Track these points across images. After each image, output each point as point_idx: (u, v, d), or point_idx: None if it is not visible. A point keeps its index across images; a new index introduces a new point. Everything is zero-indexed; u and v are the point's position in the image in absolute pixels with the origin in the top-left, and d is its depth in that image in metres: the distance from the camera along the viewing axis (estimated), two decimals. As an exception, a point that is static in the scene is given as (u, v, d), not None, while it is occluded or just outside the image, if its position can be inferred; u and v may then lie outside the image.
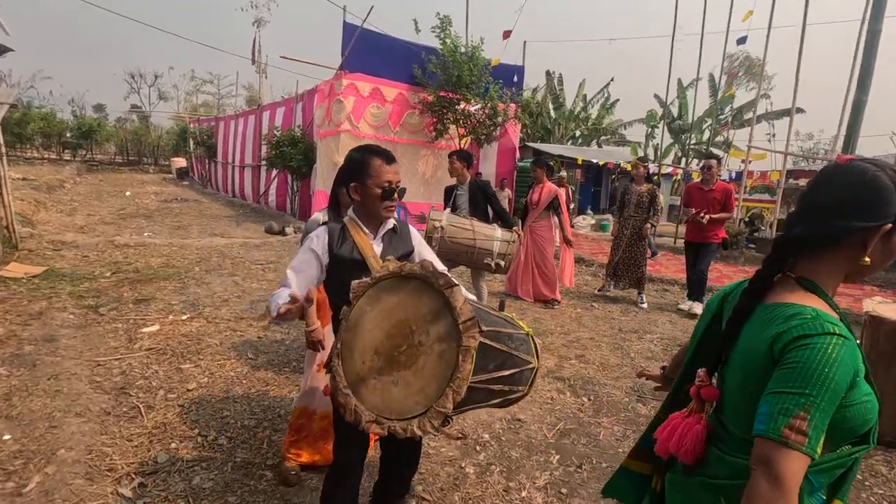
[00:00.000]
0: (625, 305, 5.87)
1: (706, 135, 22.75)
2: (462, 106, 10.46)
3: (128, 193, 16.12)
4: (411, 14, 16.17)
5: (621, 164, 14.19)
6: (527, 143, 15.88)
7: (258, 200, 15.28)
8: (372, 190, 1.70)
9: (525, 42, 12.97)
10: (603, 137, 24.18)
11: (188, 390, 3.28)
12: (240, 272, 6.46)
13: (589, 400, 3.37)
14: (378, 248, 1.78)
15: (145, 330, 4.26)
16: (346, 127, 10.21)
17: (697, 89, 14.23)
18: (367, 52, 10.24)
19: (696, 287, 5.56)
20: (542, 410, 3.21)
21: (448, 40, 10.26)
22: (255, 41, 19.69)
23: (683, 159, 22.82)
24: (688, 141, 22.95)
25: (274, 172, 13.13)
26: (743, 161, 14.03)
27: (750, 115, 20.97)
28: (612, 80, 22.41)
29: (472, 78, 10.15)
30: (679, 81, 21.88)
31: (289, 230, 10.01)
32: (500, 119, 10.86)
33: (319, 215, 2.34)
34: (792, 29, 9.62)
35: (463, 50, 10.28)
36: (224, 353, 3.93)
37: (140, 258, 6.78)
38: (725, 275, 8.23)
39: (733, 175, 14.49)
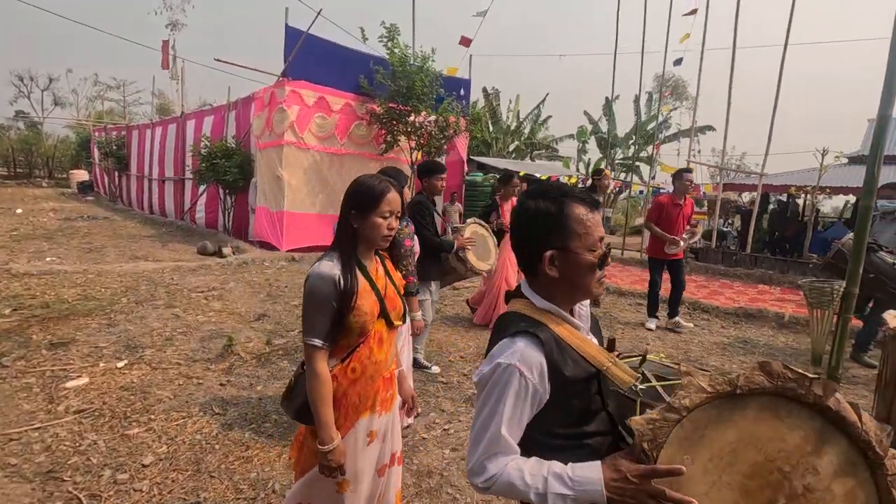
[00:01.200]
0: (599, 321, 5.75)
1: (632, 150, 24.12)
2: (412, 118, 10.11)
3: (18, 211, 13.95)
4: (357, 22, 15.60)
5: (582, 177, 14.48)
6: (471, 157, 15.82)
7: (183, 217, 13.85)
8: (582, 257, 1.08)
9: (471, 56, 12.85)
10: (536, 152, 24.89)
11: (144, 466, 2.57)
12: (178, 302, 5.57)
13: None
14: (594, 340, 1.17)
15: (70, 385, 3.41)
16: (289, 138, 9.45)
17: (640, 104, 14.92)
18: (311, 59, 9.59)
19: (676, 302, 5.54)
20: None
21: (396, 50, 9.89)
22: (168, 45, 18.05)
23: (613, 173, 24.00)
24: (615, 156, 24.20)
25: (202, 186, 11.93)
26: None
27: (671, 132, 22.50)
28: (547, 95, 23.16)
29: (424, 89, 9.83)
30: (606, 99, 23.08)
31: (226, 251, 9.02)
32: (451, 132, 10.61)
33: (328, 266, 1.55)
34: (722, 52, 10.32)
35: (413, 61, 9.95)
36: (181, 408, 3.20)
37: (48, 290, 5.66)
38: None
39: (663, 189, 15.29)
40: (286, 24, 9.28)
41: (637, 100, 22.26)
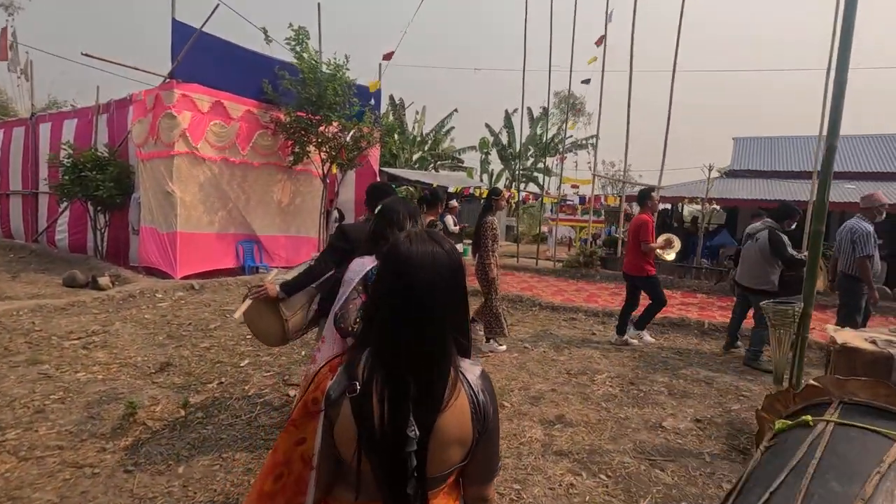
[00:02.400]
0: (545, 340, 5.70)
1: (530, 161, 25.36)
2: (323, 128, 9.44)
3: None
4: (258, 22, 14.30)
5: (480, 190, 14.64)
6: (381, 169, 15.36)
7: (37, 239, 11.57)
8: None
9: (380, 64, 12.44)
10: (440, 162, 25.09)
11: None
12: (46, 355, 4.43)
13: (608, 477, 2.91)
14: None
15: None
16: (181, 148, 8.27)
17: (547, 118, 15.56)
18: (206, 59, 8.51)
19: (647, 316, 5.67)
20: (573, 506, 2.63)
21: (306, 55, 9.17)
22: (6, 32, 15.05)
23: (513, 184, 24.99)
24: (516, 167, 25.26)
25: (65, 203, 10.03)
26: (574, 186, 15.71)
27: (567, 144, 23.97)
28: (455, 110, 23.44)
29: (337, 98, 9.23)
30: (506, 111, 24.01)
31: (103, 281, 7.56)
32: (366, 143, 10.10)
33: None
34: (622, 74, 11.10)
35: (325, 68, 9.30)
36: (74, 517, 2.40)
37: None
38: (592, 294, 8.85)
39: (570, 201, 16.16)
40: (173, 19, 8.13)
41: (530, 113, 23.49)
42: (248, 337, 5.32)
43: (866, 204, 4.71)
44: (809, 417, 1.24)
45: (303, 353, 4.86)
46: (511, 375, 4.48)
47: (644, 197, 5.62)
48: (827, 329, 3.47)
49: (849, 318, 4.53)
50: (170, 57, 8.18)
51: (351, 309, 2.09)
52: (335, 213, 11.75)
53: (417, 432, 0.92)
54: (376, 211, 2.29)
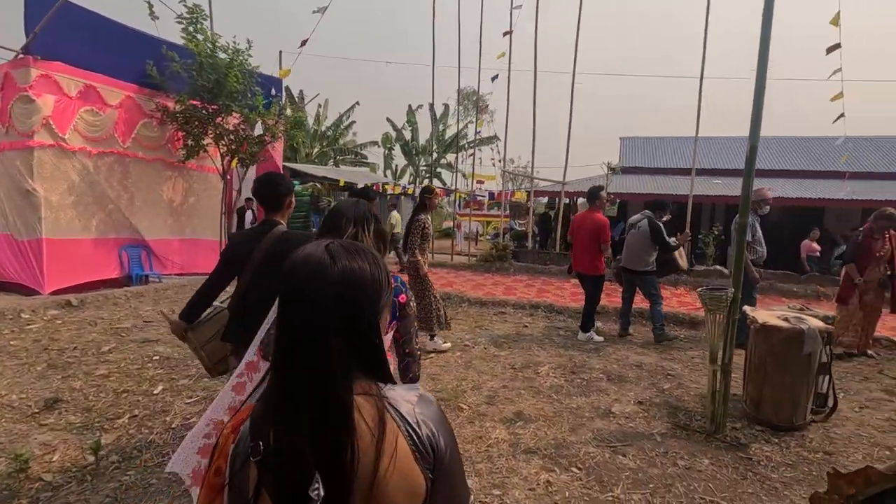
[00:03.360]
0: (482, 336, 5.74)
1: (433, 157, 25.55)
2: (221, 119, 8.55)
3: None
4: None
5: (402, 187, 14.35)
6: (284, 164, 14.39)
7: None
8: None
9: (281, 52, 11.58)
10: (341, 157, 24.26)
11: None
12: None
13: (580, 469, 2.96)
14: None
15: None
16: (44, 138, 6.95)
17: (456, 117, 15.65)
18: (73, 35, 7.23)
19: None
20: (555, 501, 2.63)
21: (201, 36, 8.21)
22: None
23: (417, 179, 25.02)
24: (419, 163, 25.30)
25: None
26: (479, 182, 16.13)
27: (464, 142, 24.47)
28: (356, 103, 22.69)
29: (238, 87, 8.40)
30: (409, 107, 23.89)
31: (-59, 302, 6.10)
32: (270, 136, 9.35)
33: None
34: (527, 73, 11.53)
35: (222, 53, 8.40)
36: None
37: None
38: (509, 287, 9.16)
39: (480, 196, 16.56)
40: (26, -18, 6.77)
41: (432, 110, 23.67)
42: (155, 358, 4.63)
43: (756, 198, 5.39)
44: None
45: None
46: (460, 375, 4.41)
47: (594, 196, 5.83)
48: (745, 310, 3.89)
49: (745, 298, 5.17)
50: (22, 28, 6.81)
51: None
52: (249, 215, 10.78)
53: (322, 492, 0.70)
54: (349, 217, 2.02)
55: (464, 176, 29.25)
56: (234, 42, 8.60)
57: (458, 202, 16.47)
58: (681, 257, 5.53)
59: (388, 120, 24.86)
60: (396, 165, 25.61)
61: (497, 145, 18.58)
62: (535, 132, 11.12)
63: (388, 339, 1.84)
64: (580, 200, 14.16)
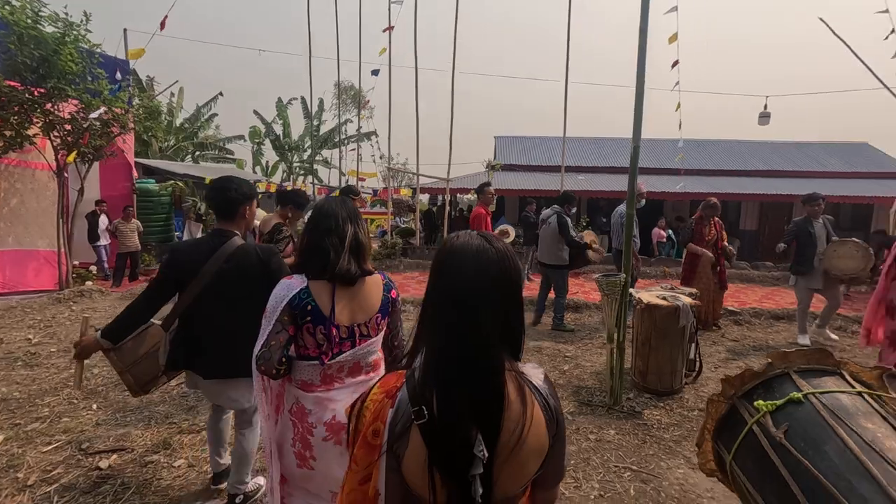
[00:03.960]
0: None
1: (308, 154, 24.39)
2: (51, 105, 7.14)
3: None
4: None
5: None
6: (136, 160, 12.50)
7: None
8: None
9: (126, 30, 9.93)
10: (202, 152, 21.92)
11: None
12: None
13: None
14: None
15: None
16: None
17: (338, 111, 14.96)
18: None
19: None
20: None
21: (17, 2, 6.73)
22: None
23: (291, 176, 23.67)
24: (293, 159, 23.95)
25: None
26: (361, 179, 15.88)
27: (343, 138, 23.84)
28: (220, 94, 20.55)
29: (74, 67, 7.06)
30: (279, 100, 22.41)
31: None
32: (119, 128, 8.05)
33: None
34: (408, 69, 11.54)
35: (52, 27, 6.98)
36: None
37: None
38: (402, 283, 9.17)
39: (366, 193, 16.17)
40: None
41: (304, 103, 22.59)
42: (-14, 401, 3.71)
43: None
44: (799, 394, 1.36)
45: (94, 405, 3.64)
46: (373, 379, 4.27)
47: (479, 190, 6.05)
48: (630, 292, 4.36)
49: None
50: None
51: (274, 346, 1.61)
52: (104, 220, 9.09)
53: (486, 453, 0.83)
54: (309, 218, 1.82)
55: (342, 173, 28.51)
56: (66, 13, 7.20)
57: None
58: (593, 250, 5.94)
59: (256, 113, 23.07)
60: (267, 162, 23.91)
61: (377, 142, 18.32)
62: (418, 129, 11.21)
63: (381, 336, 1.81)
64: (466, 197, 14.63)
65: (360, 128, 12.97)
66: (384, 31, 10.38)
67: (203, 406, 3.63)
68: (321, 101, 23.45)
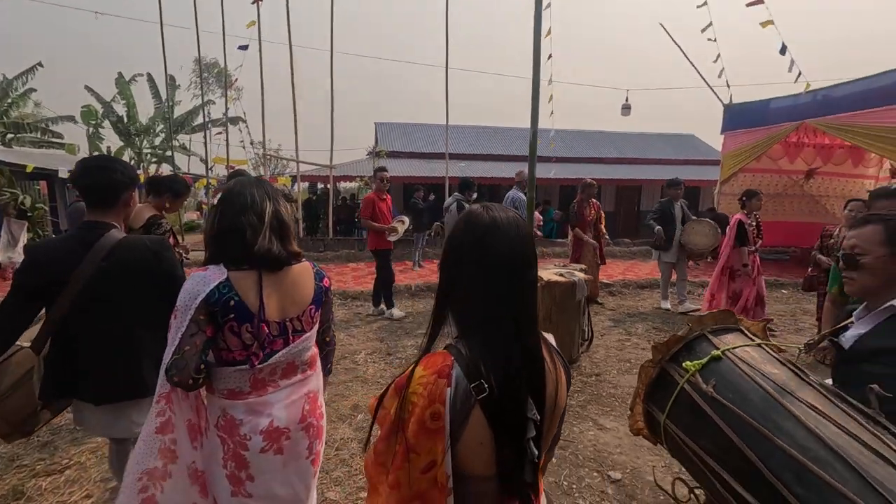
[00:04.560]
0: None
1: (160, 139, 21.53)
2: None
3: None
4: None
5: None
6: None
7: None
8: None
9: None
10: (18, 135, 18.05)
11: None
12: None
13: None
14: None
15: None
16: None
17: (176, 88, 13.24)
18: None
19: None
20: None
21: None
22: None
23: (142, 164, 20.69)
24: (143, 144, 20.95)
25: None
26: (229, 167, 14.55)
27: (201, 119, 21.50)
28: (38, 65, 16.96)
29: None
30: (120, 75, 19.32)
31: None
32: None
33: None
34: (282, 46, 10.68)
35: None
36: None
37: None
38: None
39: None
40: None
41: (150, 80, 19.87)
42: None
43: (519, 178, 6.32)
44: (718, 352, 1.49)
45: None
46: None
47: (373, 175, 5.84)
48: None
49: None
50: None
51: (190, 352, 1.32)
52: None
53: (538, 415, 0.89)
54: (218, 199, 1.51)
55: (201, 160, 25.62)
56: None
57: (207, 190, 14.36)
58: None
59: (89, 89, 19.59)
60: (109, 147, 20.50)
61: (247, 126, 16.79)
62: (296, 111, 10.49)
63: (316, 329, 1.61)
64: (346, 185, 14.11)
65: (227, 109, 11.71)
66: (252, 1, 9.43)
67: (62, 440, 2.99)
68: (173, 79, 20.73)
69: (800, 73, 8.28)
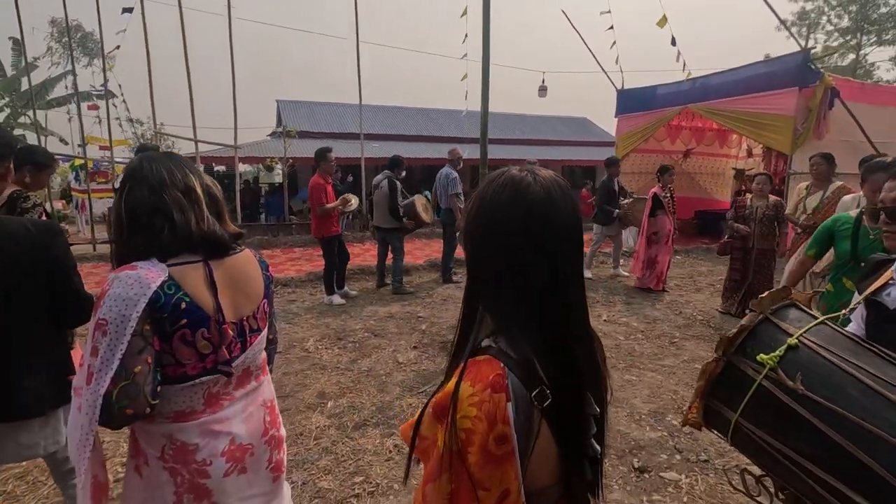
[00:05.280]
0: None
1: (5, 114, 18.19)
2: None
3: None
4: None
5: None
6: None
7: None
8: None
9: None
10: None
11: None
12: None
13: (413, 422, 3.01)
14: None
15: None
16: None
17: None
18: None
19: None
20: None
21: None
22: None
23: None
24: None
25: None
26: (103, 147, 12.93)
27: (65, 91, 18.57)
28: None
29: None
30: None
31: None
32: None
33: None
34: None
35: None
36: None
37: None
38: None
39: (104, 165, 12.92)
40: None
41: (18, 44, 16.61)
42: None
43: (451, 157, 6.36)
44: (794, 339, 1.31)
45: None
46: (225, 379, 3.60)
47: (319, 157, 5.50)
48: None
49: (452, 237, 6.22)
50: None
51: (142, 372, 1.04)
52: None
53: (597, 409, 0.79)
54: (123, 179, 1.19)
55: (62, 140, 22.06)
56: None
57: (78, 173, 12.46)
58: (425, 212, 5.99)
59: None
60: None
61: (124, 101, 14.76)
62: (191, 83, 9.41)
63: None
64: (246, 168, 13.07)
65: (106, 81, 10.13)
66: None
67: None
68: (18, 42, 17.50)
69: (685, 64, 9.29)
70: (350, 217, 10.20)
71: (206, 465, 1.17)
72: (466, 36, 8.98)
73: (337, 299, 5.65)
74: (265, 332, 1.31)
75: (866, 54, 25.82)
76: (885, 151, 8.13)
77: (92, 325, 1.04)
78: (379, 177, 6.10)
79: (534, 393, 0.71)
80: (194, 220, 1.13)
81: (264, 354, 1.37)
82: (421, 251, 8.99)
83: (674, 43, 8.89)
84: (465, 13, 8.49)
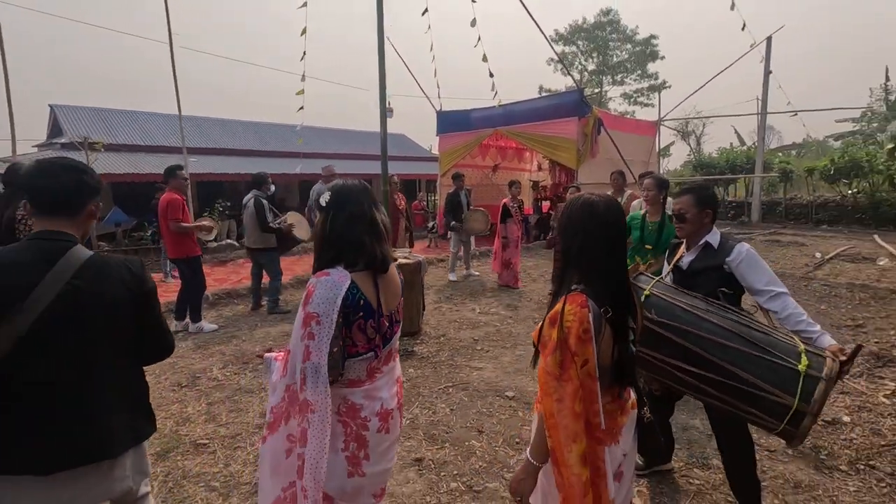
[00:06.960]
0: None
1: None
2: None
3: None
4: None
5: None
6: None
7: None
8: None
9: None
10: None
11: None
12: None
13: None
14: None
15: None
16: None
17: None
18: None
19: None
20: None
21: None
22: None
23: None
24: None
25: None
26: None
27: None
28: None
29: None
30: None
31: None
32: None
33: None
34: None
35: None
36: None
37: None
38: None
39: None
40: None
41: None
42: None
43: (326, 173, 6.47)
44: (647, 291, 2.09)
45: None
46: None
47: (169, 174, 4.97)
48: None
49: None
50: None
51: (337, 353, 1.46)
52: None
53: (634, 324, 1.48)
54: (328, 204, 1.57)
55: None
56: None
57: None
58: (299, 230, 5.87)
59: None
60: None
61: None
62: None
63: None
64: None
65: None
66: None
67: None
68: None
69: (496, 93, 11.01)
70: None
71: (367, 421, 1.58)
72: (305, 54, 8.98)
73: (208, 325, 5.29)
74: (401, 321, 1.75)
75: (607, 90, 33.59)
76: (632, 167, 11.15)
77: (302, 317, 1.42)
78: (248, 196, 5.89)
79: (602, 310, 1.36)
80: (378, 248, 1.54)
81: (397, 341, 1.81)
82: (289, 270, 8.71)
83: (491, 75, 10.49)
84: (303, 32, 8.56)
